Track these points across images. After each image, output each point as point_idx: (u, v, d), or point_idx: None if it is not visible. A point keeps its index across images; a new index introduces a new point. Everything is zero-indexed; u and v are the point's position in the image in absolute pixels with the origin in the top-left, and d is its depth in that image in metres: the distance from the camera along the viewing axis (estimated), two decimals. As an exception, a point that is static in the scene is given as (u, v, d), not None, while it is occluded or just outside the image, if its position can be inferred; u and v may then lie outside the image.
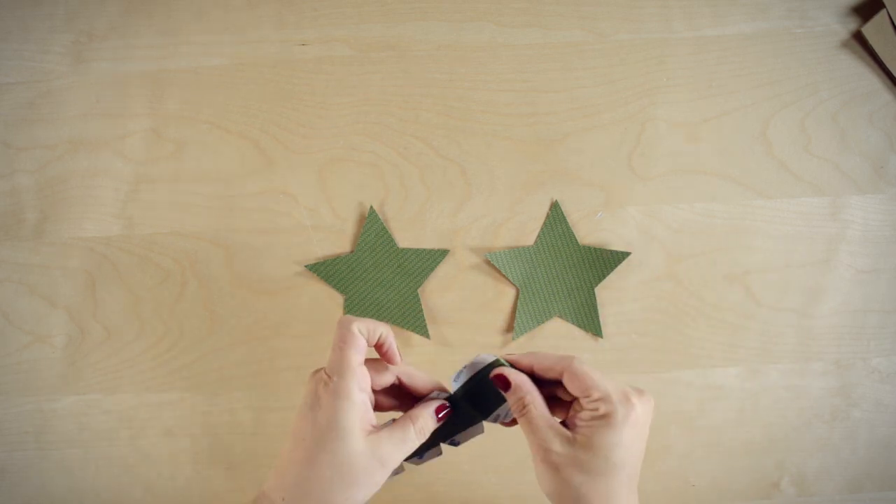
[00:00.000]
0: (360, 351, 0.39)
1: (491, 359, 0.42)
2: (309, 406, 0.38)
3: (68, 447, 0.60)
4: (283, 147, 0.60)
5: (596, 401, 0.37)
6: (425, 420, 0.40)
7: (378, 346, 0.41)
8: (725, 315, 0.59)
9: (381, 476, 0.38)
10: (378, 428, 0.39)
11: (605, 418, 0.37)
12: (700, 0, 0.60)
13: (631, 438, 0.37)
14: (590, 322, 0.59)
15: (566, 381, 0.39)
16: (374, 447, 0.37)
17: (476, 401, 0.42)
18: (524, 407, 0.39)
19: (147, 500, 0.60)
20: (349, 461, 0.37)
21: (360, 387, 0.38)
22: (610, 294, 0.59)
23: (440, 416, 0.41)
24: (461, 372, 0.42)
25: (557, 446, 0.37)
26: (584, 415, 0.38)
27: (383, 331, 0.40)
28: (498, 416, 0.42)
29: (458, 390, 0.42)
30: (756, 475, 0.59)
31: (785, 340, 0.59)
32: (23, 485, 0.60)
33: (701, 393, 0.59)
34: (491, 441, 0.59)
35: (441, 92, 0.60)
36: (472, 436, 0.43)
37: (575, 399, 0.40)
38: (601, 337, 0.59)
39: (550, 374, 0.40)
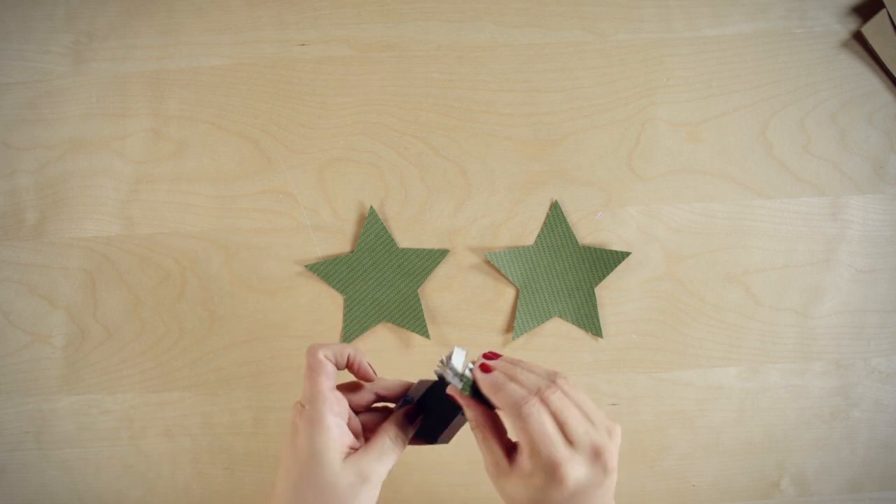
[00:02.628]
0: (329, 377, 0.39)
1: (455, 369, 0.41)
2: (289, 436, 0.39)
3: (68, 447, 0.60)
4: (283, 147, 0.60)
5: (530, 459, 0.36)
6: (396, 429, 0.40)
7: (350, 367, 0.41)
8: (725, 315, 0.59)
9: (367, 493, 0.38)
10: (357, 448, 0.40)
11: (535, 472, 0.36)
12: (700, 0, 0.60)
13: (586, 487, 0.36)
14: (590, 322, 0.59)
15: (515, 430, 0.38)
16: (354, 467, 0.38)
17: (443, 402, 0.41)
18: (483, 427, 0.40)
19: (147, 500, 0.60)
20: (330, 485, 0.37)
21: (333, 411, 0.39)
22: (610, 294, 0.59)
23: (410, 417, 0.41)
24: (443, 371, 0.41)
25: (493, 469, 0.39)
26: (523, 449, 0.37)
27: (350, 352, 0.41)
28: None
29: (423, 393, 0.42)
30: (756, 475, 0.59)
31: (785, 340, 0.59)
32: (23, 485, 0.60)
33: (701, 393, 0.59)
34: (491, 441, 0.58)
35: (441, 92, 0.60)
36: (458, 427, 0.43)
37: None
38: (601, 337, 0.59)
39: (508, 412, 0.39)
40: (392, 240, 0.59)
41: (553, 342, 0.59)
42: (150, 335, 0.59)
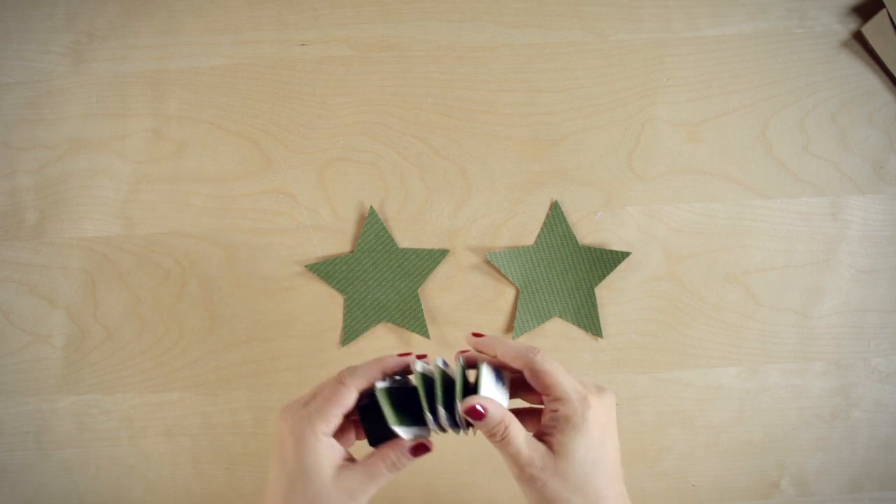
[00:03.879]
0: (344, 408, 0.39)
1: (438, 367, 0.40)
2: (277, 446, 0.39)
3: (68, 447, 0.60)
4: (283, 147, 0.60)
5: (555, 401, 0.38)
6: (394, 456, 0.39)
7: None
8: (725, 315, 0.59)
9: None
10: (351, 459, 0.39)
11: (567, 421, 0.37)
12: (700, 0, 0.60)
13: (598, 439, 0.37)
14: (590, 322, 0.59)
15: (528, 377, 0.39)
16: (343, 483, 0.38)
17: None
18: (504, 432, 0.37)
19: (147, 500, 0.60)
20: (318, 498, 0.37)
21: (323, 431, 0.38)
22: (610, 294, 0.59)
23: (416, 454, 0.39)
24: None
25: (538, 462, 0.37)
26: (547, 419, 0.38)
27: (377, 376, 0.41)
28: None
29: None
30: (756, 475, 0.59)
31: (785, 340, 0.59)
32: (23, 485, 0.60)
33: (701, 393, 0.59)
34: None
35: (441, 92, 0.60)
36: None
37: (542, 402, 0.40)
38: (601, 337, 0.59)
39: (514, 365, 0.40)
40: (392, 240, 0.59)
41: (553, 342, 0.59)
42: (150, 335, 0.59)
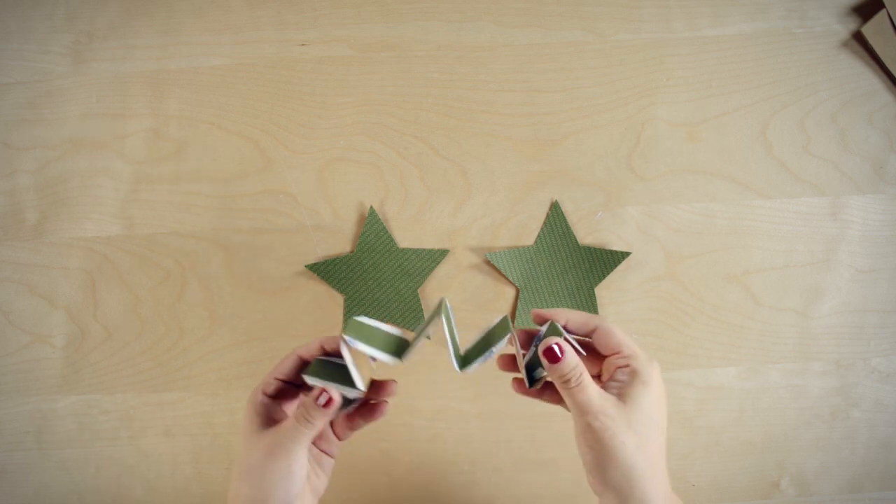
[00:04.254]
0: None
1: (498, 319, 0.42)
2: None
3: (68, 447, 0.60)
4: (283, 147, 0.60)
5: (626, 357, 0.39)
6: (306, 408, 0.39)
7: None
8: (725, 315, 0.59)
9: (274, 465, 0.38)
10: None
11: (638, 376, 0.38)
12: (700, 0, 0.60)
13: (660, 394, 0.39)
14: (590, 322, 0.59)
15: (597, 338, 0.41)
16: (263, 441, 0.39)
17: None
18: (579, 378, 0.38)
19: (147, 500, 0.60)
20: (245, 458, 0.40)
21: (262, 386, 0.42)
22: (610, 294, 0.59)
23: (322, 403, 0.39)
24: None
25: (611, 409, 0.37)
26: (620, 374, 0.39)
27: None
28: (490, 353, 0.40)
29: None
30: (756, 475, 0.59)
31: (785, 340, 0.59)
32: (23, 485, 0.60)
33: (701, 393, 0.59)
34: (491, 441, 0.59)
35: (441, 92, 0.60)
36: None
37: (600, 364, 0.41)
38: (601, 337, 0.59)
39: (582, 331, 0.41)
40: (392, 240, 0.59)
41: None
42: (150, 335, 0.59)
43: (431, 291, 0.59)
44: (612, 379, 0.39)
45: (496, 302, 0.59)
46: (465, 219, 0.59)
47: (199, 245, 0.59)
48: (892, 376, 0.59)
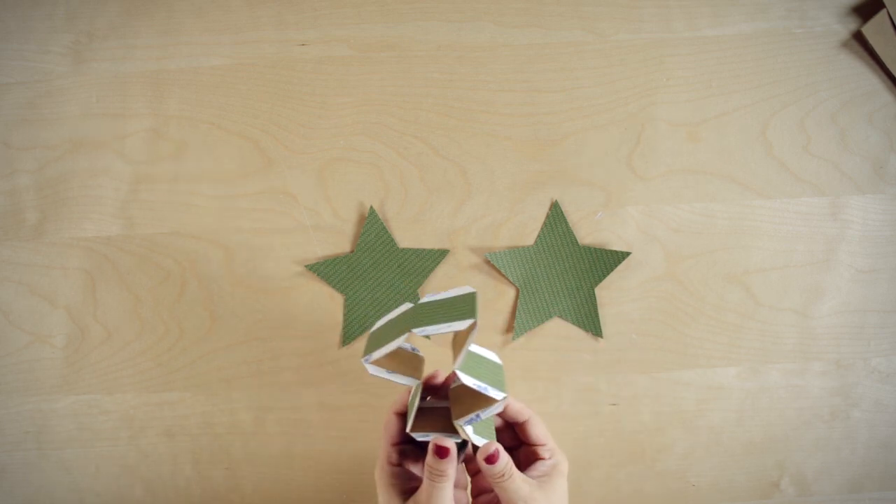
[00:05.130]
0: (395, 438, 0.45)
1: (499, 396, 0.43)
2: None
3: (68, 447, 0.60)
4: (283, 147, 0.60)
5: (550, 450, 0.46)
6: (428, 463, 0.42)
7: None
8: (725, 315, 0.59)
9: None
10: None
11: (557, 468, 0.45)
12: (700, 0, 0.60)
13: (564, 484, 0.45)
14: (590, 322, 0.59)
15: (530, 427, 0.46)
16: None
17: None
18: (510, 472, 0.42)
19: (147, 500, 0.60)
20: None
21: (383, 457, 0.45)
22: (610, 294, 0.59)
23: (440, 455, 0.41)
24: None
25: (538, 494, 0.42)
26: (542, 465, 0.45)
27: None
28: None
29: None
30: (756, 475, 0.59)
31: (785, 340, 0.59)
32: (23, 485, 0.60)
33: (701, 393, 0.59)
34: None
35: (441, 92, 0.60)
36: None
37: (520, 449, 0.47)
38: (601, 337, 0.59)
39: (517, 418, 0.46)
40: (392, 240, 0.59)
41: (553, 342, 0.59)
42: (150, 335, 0.59)
43: (431, 291, 0.59)
44: (532, 467, 0.45)
45: (496, 302, 0.59)
46: (465, 219, 0.59)
47: (199, 245, 0.59)
48: (892, 376, 0.59)
